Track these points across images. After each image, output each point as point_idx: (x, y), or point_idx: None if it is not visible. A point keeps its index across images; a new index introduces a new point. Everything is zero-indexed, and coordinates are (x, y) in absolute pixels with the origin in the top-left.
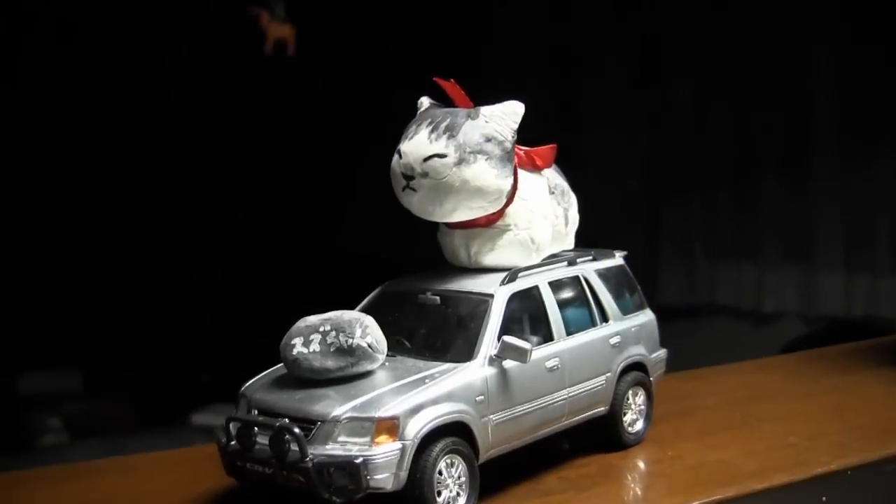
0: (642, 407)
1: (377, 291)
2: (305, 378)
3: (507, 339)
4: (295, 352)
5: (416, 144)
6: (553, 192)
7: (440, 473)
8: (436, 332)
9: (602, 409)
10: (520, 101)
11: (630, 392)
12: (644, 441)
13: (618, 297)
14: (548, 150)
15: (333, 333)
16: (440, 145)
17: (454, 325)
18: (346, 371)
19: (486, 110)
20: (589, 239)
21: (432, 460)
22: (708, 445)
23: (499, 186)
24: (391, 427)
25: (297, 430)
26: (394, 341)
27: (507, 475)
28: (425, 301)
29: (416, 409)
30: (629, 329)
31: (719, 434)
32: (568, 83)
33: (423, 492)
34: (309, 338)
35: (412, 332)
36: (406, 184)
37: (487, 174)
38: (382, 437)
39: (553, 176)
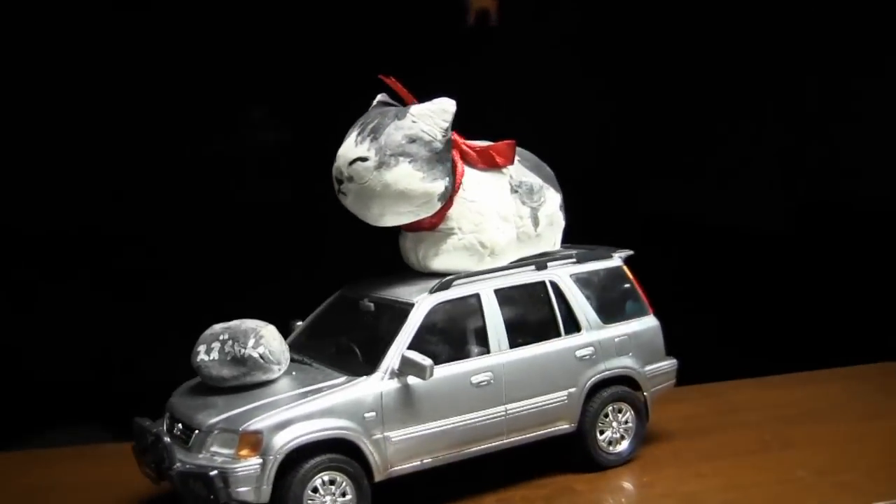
0: (629, 425)
1: (335, 295)
2: (210, 385)
3: (407, 353)
4: (198, 359)
5: (344, 147)
6: (516, 191)
7: (315, 491)
8: (357, 341)
9: (565, 426)
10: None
11: (610, 409)
12: (631, 462)
13: (603, 303)
14: (506, 146)
15: (230, 342)
16: (363, 148)
17: (374, 334)
18: (241, 381)
19: (415, 109)
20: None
21: (300, 477)
22: (694, 474)
23: (425, 189)
24: (254, 441)
25: (166, 438)
26: (327, 349)
27: (443, 489)
28: (363, 308)
29: (283, 424)
30: (610, 339)
31: (718, 461)
32: None
33: None
34: (210, 345)
35: (341, 341)
36: (338, 188)
37: (411, 177)
38: (245, 451)
39: (519, 173)
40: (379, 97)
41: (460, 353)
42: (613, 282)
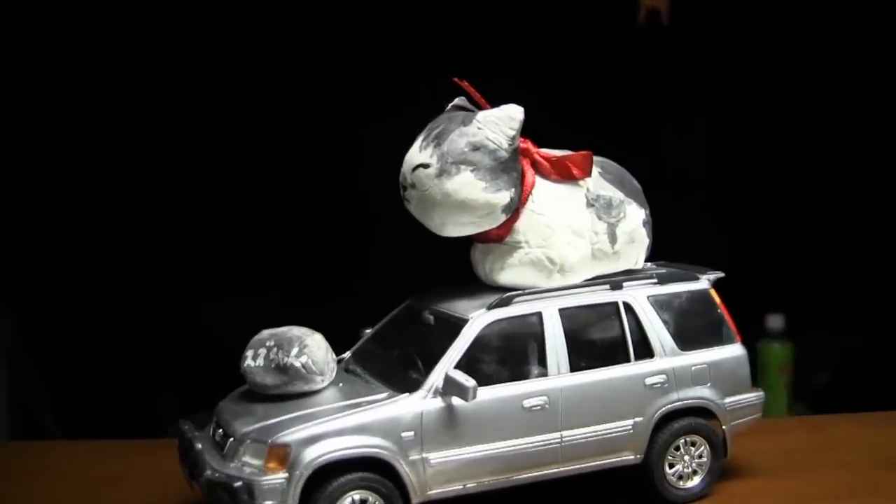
0: (704, 460)
1: (402, 305)
2: (255, 392)
3: (451, 373)
4: (245, 364)
5: (410, 153)
6: (593, 205)
7: None
8: (410, 355)
9: (630, 457)
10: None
11: (682, 441)
12: (704, 499)
13: (682, 328)
14: (582, 157)
15: (275, 350)
16: (426, 155)
17: (426, 349)
18: (284, 389)
19: (481, 115)
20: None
21: (327, 494)
22: None
23: (487, 200)
24: (282, 454)
25: (198, 444)
26: (382, 362)
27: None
28: (424, 320)
29: (314, 439)
30: (686, 367)
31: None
32: None
33: None
34: (258, 351)
35: (397, 354)
36: (402, 194)
37: (472, 187)
38: (273, 464)
39: (597, 187)
40: (456, 101)
41: (514, 375)
42: (697, 306)
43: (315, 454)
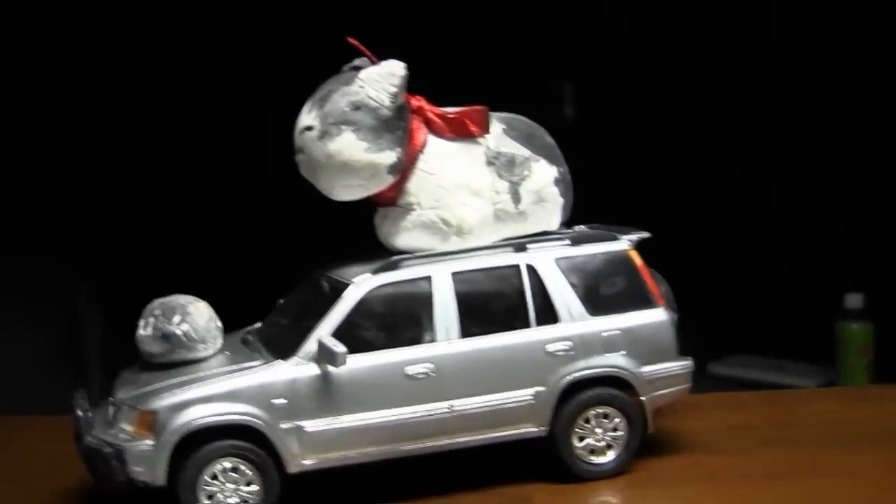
0: (620, 433)
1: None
2: (148, 361)
3: (323, 339)
4: (137, 333)
5: (300, 116)
6: (492, 163)
7: (214, 478)
8: (301, 322)
9: (533, 429)
10: None
11: (592, 413)
12: (618, 476)
13: (594, 291)
14: (477, 111)
15: (162, 318)
16: (311, 117)
17: (311, 315)
18: (168, 357)
19: (364, 73)
20: None
21: (194, 461)
22: (673, 496)
23: (370, 161)
24: (150, 421)
25: (78, 412)
26: (274, 330)
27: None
28: (321, 288)
29: (181, 406)
30: (596, 333)
31: (717, 484)
32: None
33: (184, 494)
34: (147, 320)
35: (287, 322)
36: (295, 158)
37: (354, 147)
38: (142, 430)
39: (499, 144)
40: (355, 61)
41: (399, 341)
42: (613, 268)
43: (182, 420)
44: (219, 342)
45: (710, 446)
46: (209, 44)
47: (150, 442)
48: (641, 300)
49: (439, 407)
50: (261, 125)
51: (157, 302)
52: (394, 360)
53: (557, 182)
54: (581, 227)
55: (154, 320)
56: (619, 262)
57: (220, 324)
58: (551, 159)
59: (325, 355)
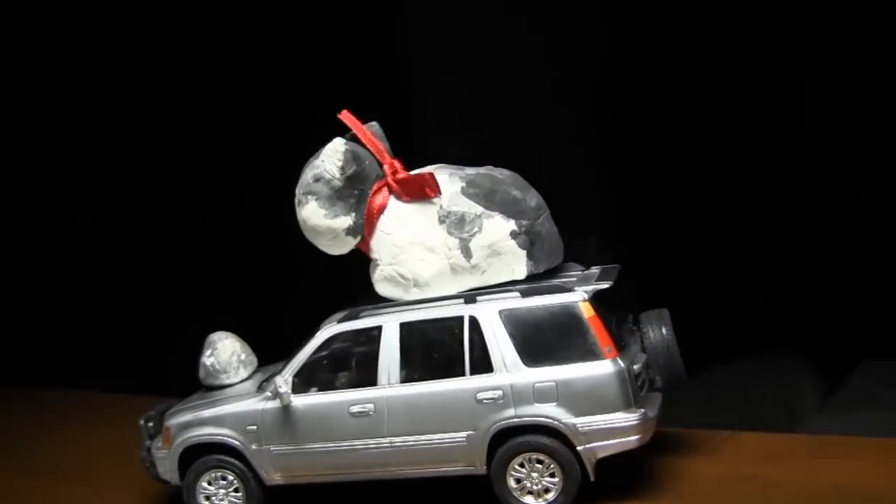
0: (556, 479)
1: None
2: None
3: (277, 379)
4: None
5: None
6: (444, 222)
7: (209, 484)
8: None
9: (469, 467)
10: None
11: (524, 458)
12: None
13: (532, 343)
14: (427, 177)
15: (204, 351)
16: (298, 186)
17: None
18: (206, 382)
19: (324, 149)
20: None
21: (193, 468)
22: None
23: (329, 225)
24: (168, 434)
25: (140, 421)
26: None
27: None
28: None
29: (185, 426)
30: (528, 384)
31: None
32: None
33: (187, 494)
34: (203, 350)
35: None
36: None
37: (316, 214)
38: (163, 441)
39: (452, 203)
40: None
41: (347, 383)
42: (558, 320)
43: (183, 437)
44: (241, 373)
45: (692, 499)
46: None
47: (164, 451)
48: (584, 352)
49: (380, 441)
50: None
51: (208, 336)
52: (339, 399)
53: (515, 235)
54: (574, 273)
55: (204, 351)
56: (565, 315)
57: (244, 357)
58: (510, 213)
59: (275, 394)
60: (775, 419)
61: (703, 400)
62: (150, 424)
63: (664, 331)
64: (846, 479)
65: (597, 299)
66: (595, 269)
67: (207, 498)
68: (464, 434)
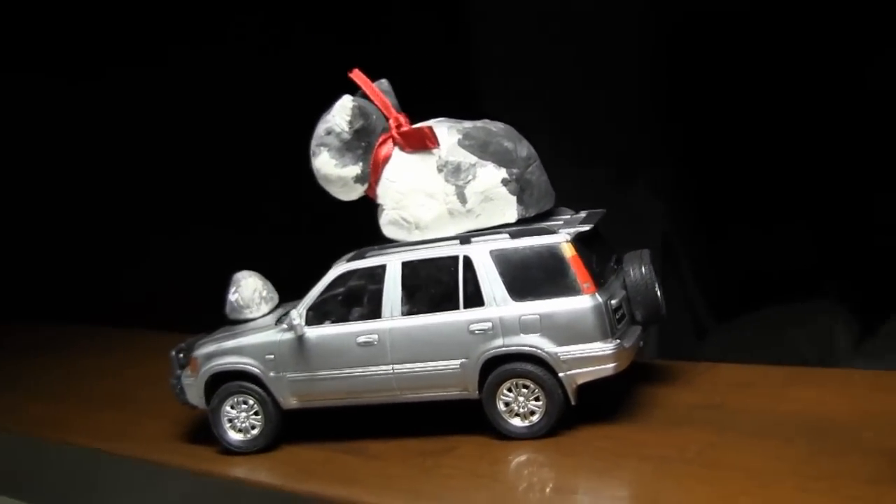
0: (540, 403)
1: None
2: None
3: (292, 313)
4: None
5: None
6: (441, 170)
7: (232, 408)
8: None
9: (464, 392)
10: None
11: (511, 383)
12: (543, 438)
13: (519, 280)
14: (427, 130)
15: (229, 288)
16: (312, 138)
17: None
18: (232, 316)
19: (334, 106)
20: None
21: (218, 393)
22: (558, 466)
23: (339, 174)
24: (194, 364)
25: (172, 352)
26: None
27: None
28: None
29: (210, 356)
30: (515, 317)
31: (617, 459)
32: None
33: (213, 418)
34: (230, 287)
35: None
36: None
37: (328, 164)
38: (191, 370)
39: (449, 153)
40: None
41: (354, 316)
42: (542, 260)
43: (208, 365)
44: (263, 308)
45: (649, 420)
46: None
47: (192, 379)
48: (565, 288)
49: (384, 369)
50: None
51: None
52: (349, 331)
53: (506, 182)
54: (562, 217)
55: (229, 289)
56: (549, 255)
57: (265, 294)
58: (501, 163)
59: (291, 326)
60: (808, 358)
61: (738, 337)
62: (181, 356)
63: (644, 269)
64: (809, 406)
65: (579, 240)
66: (582, 213)
67: (230, 420)
68: (458, 362)
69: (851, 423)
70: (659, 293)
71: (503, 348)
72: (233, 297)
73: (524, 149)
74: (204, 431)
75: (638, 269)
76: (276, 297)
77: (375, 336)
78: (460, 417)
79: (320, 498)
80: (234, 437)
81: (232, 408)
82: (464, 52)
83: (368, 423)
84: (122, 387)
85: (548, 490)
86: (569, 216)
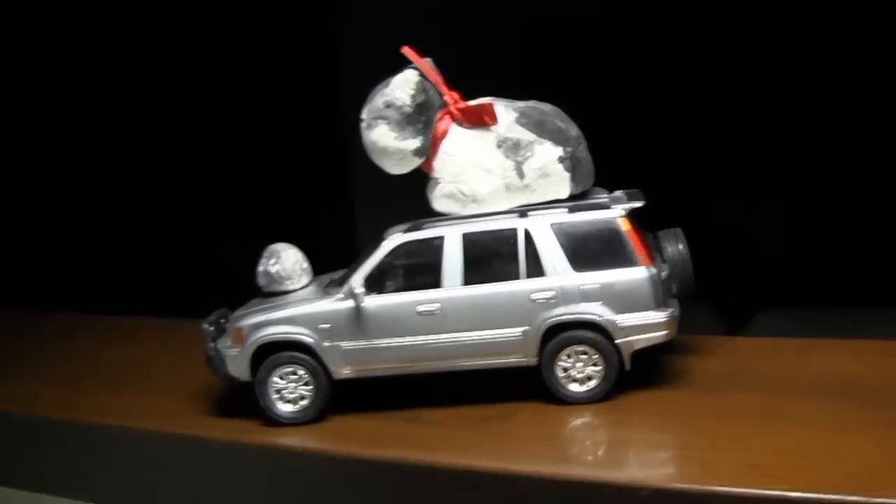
0: (598, 368)
1: None
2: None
3: (352, 281)
4: (256, 270)
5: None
6: (501, 146)
7: (282, 378)
8: (353, 266)
9: (522, 359)
10: None
11: (571, 350)
12: (599, 403)
13: (580, 251)
14: (487, 107)
15: (265, 260)
16: (363, 111)
17: (359, 262)
18: (269, 288)
19: (394, 79)
20: None
21: (265, 365)
22: (622, 424)
23: (399, 147)
24: (238, 335)
25: (203, 325)
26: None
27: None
28: (376, 241)
29: (258, 325)
30: (576, 286)
31: (677, 417)
32: None
33: (260, 389)
34: (261, 260)
35: (352, 265)
36: None
37: (386, 137)
38: (234, 341)
39: (507, 130)
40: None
41: (414, 286)
42: (600, 233)
43: (256, 336)
44: (304, 279)
45: (699, 386)
46: None
47: (236, 350)
48: (623, 260)
49: (444, 337)
50: None
51: (267, 248)
52: (409, 300)
53: (562, 160)
54: (602, 195)
55: (264, 261)
56: (606, 228)
57: (305, 265)
58: (557, 141)
59: (351, 295)
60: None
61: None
62: (213, 329)
63: (680, 246)
64: (835, 369)
65: (631, 215)
66: (618, 193)
67: (278, 391)
68: (520, 329)
69: (880, 383)
70: (692, 270)
71: (565, 316)
72: (272, 268)
73: (574, 129)
74: (233, 405)
75: (675, 246)
76: (311, 269)
77: (437, 304)
78: (505, 386)
79: (393, 463)
80: (283, 407)
81: (281, 378)
82: None
83: (415, 394)
84: (137, 370)
85: (632, 443)
86: (607, 195)
